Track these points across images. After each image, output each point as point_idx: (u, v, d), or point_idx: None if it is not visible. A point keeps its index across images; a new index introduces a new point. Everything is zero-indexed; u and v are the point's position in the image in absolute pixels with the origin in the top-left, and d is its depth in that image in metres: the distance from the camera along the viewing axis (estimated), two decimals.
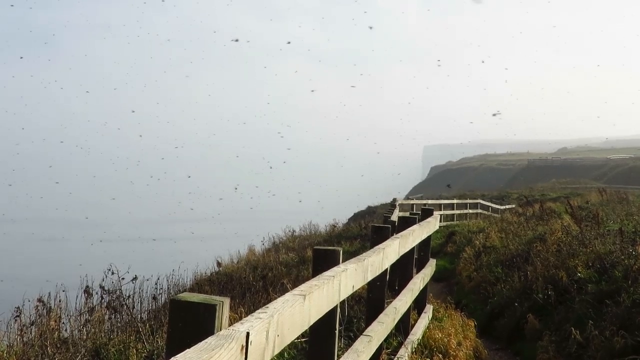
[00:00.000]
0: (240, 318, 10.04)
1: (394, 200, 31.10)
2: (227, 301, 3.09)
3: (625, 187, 65.17)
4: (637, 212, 20.52)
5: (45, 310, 11.15)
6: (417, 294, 10.35)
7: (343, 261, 5.54)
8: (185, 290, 17.31)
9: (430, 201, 38.54)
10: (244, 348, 2.77)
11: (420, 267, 11.67)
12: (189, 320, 2.99)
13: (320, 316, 4.29)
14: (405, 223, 10.92)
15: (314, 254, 5.73)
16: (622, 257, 12.51)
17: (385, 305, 8.25)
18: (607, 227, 16.83)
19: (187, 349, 2.53)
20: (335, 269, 4.99)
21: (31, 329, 10.64)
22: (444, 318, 12.29)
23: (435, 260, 13.33)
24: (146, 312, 13.37)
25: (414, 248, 10.14)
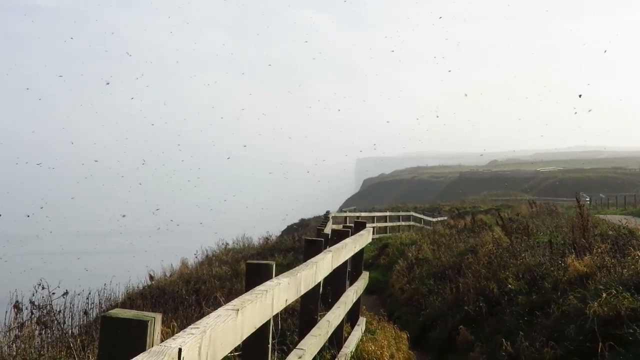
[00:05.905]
0: (173, 332, 9.97)
1: (327, 212, 31.04)
2: (159, 317, 3.07)
3: (555, 199, 66.19)
4: (565, 224, 20.78)
5: None
6: (350, 307, 10.36)
7: (276, 274, 5.53)
8: (117, 305, 17.14)
9: (363, 214, 38.75)
10: None
11: (353, 279, 11.69)
12: (121, 336, 2.96)
13: (253, 331, 4.28)
14: (338, 236, 10.96)
15: (247, 268, 5.69)
16: (552, 268, 12.67)
17: (319, 318, 8.24)
18: (537, 239, 17.03)
19: None
20: (268, 283, 4.97)
21: None
22: (377, 330, 12.32)
23: (368, 273, 13.36)
24: (77, 327, 13.19)
25: (347, 261, 10.16)
